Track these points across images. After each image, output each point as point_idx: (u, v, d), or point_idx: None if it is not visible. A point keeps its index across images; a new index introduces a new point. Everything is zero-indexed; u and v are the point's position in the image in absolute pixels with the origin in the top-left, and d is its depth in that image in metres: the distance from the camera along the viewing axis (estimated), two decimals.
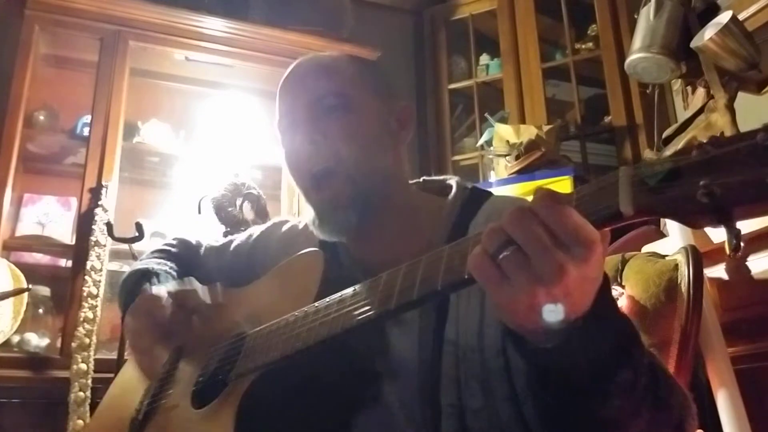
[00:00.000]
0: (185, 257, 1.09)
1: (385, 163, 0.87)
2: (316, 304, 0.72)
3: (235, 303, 0.94)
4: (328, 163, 0.84)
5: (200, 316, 0.90)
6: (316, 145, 0.84)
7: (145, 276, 0.99)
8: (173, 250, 1.10)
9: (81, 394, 2.02)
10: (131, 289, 0.98)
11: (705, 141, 0.46)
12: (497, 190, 2.35)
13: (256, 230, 1.08)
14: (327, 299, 0.71)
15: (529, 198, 0.54)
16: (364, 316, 0.64)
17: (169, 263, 1.05)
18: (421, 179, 0.98)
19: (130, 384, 0.99)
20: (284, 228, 1.02)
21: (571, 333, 0.51)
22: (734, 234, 0.46)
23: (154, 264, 1.03)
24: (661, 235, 1.58)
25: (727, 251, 0.46)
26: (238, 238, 1.08)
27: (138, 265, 1.05)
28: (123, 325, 0.98)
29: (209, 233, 2.18)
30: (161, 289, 0.91)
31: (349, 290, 0.68)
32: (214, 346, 0.87)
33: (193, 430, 0.79)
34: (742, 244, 0.46)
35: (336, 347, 0.70)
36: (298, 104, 0.88)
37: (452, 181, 0.93)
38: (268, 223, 1.08)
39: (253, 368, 0.75)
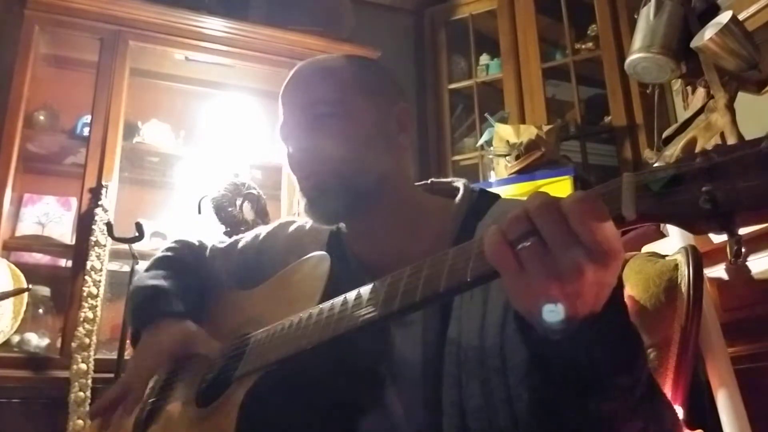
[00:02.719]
0: (190, 261, 1.09)
1: (381, 165, 0.87)
2: (320, 306, 0.72)
3: (241, 306, 0.94)
4: (315, 168, 0.86)
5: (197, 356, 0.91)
6: (305, 153, 0.87)
7: (154, 294, 0.99)
8: (177, 255, 1.10)
9: (81, 394, 2.02)
10: (140, 308, 0.99)
11: (709, 149, 0.47)
12: (497, 191, 2.35)
13: (262, 231, 1.07)
14: (330, 301, 0.71)
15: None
16: (368, 317, 0.64)
17: (177, 276, 1.04)
18: (429, 181, 0.99)
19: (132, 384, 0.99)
20: (291, 229, 1.03)
21: (580, 329, 0.51)
22: (735, 240, 0.46)
23: (162, 280, 1.02)
24: (661, 235, 1.58)
25: (729, 257, 0.46)
26: (244, 239, 1.08)
27: (147, 279, 1.03)
28: (132, 344, 1.01)
29: (209, 233, 2.18)
30: (166, 335, 0.93)
31: (352, 293, 0.68)
32: (219, 347, 0.88)
33: (196, 428, 0.79)
34: (743, 250, 0.46)
35: (339, 349, 0.70)
36: (292, 111, 0.90)
37: (459, 183, 0.93)
38: (275, 224, 1.08)
39: (257, 368, 0.75)
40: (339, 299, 0.70)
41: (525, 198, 0.55)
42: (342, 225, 0.94)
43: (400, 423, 0.76)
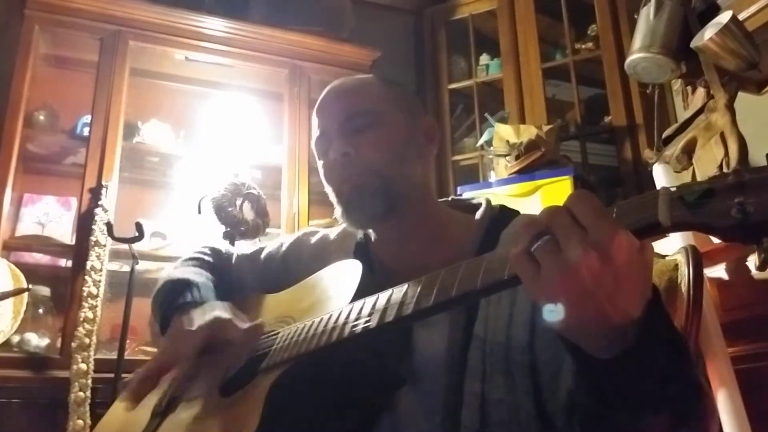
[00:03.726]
0: (218, 265, 1.11)
1: (413, 174, 0.92)
2: (352, 303, 0.73)
3: (267, 307, 0.96)
4: (359, 170, 0.89)
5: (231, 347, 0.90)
6: (348, 157, 0.90)
7: (184, 284, 1.00)
8: (206, 258, 1.12)
9: (81, 394, 2.02)
10: (171, 298, 1.00)
11: (740, 168, 0.50)
12: (497, 190, 2.35)
13: (286, 240, 1.10)
14: (363, 299, 0.72)
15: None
16: (401, 314, 0.65)
17: (205, 272, 1.07)
18: (449, 198, 1.04)
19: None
20: (315, 238, 1.06)
21: (628, 345, 0.54)
22: (764, 250, 0.48)
23: (192, 274, 1.04)
24: (662, 235, 1.58)
25: (756, 265, 0.49)
26: (269, 247, 1.11)
27: (176, 273, 1.05)
28: (161, 336, 1.00)
29: (209, 233, 2.18)
30: (198, 316, 0.92)
31: (385, 292, 0.69)
32: (246, 333, 0.89)
33: (220, 415, 0.80)
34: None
35: (364, 348, 0.72)
36: (331, 123, 0.94)
37: (481, 199, 0.98)
38: (299, 233, 1.11)
39: (283, 362, 0.77)
40: (371, 297, 0.71)
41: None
42: (369, 233, 0.96)
43: (419, 416, 0.78)
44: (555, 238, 0.52)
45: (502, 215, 0.94)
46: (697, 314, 1.08)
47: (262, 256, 1.10)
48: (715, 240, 1.45)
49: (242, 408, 0.77)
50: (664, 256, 1.24)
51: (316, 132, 0.97)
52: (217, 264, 1.11)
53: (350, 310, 0.72)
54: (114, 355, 2.03)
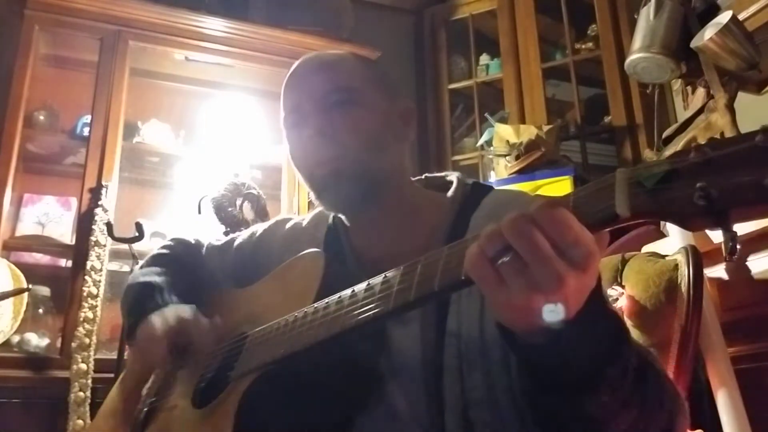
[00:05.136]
0: (186, 259, 1.08)
1: (390, 159, 0.88)
2: (315, 304, 0.72)
3: (237, 304, 0.94)
4: (336, 152, 0.84)
5: (195, 349, 0.90)
6: (325, 137, 0.84)
7: (147, 290, 0.98)
8: (172, 253, 1.09)
9: (81, 394, 2.02)
10: (133, 304, 0.98)
11: (703, 143, 0.46)
12: None
13: (259, 228, 1.07)
14: (326, 300, 0.71)
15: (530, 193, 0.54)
16: (363, 316, 0.64)
17: (170, 272, 1.03)
18: (423, 176, 0.99)
19: (130, 386, 0.99)
20: (287, 226, 1.02)
21: (561, 331, 0.51)
22: (730, 237, 0.45)
23: (156, 277, 1.01)
24: (661, 235, 1.58)
25: (724, 254, 0.45)
26: (241, 237, 1.07)
27: (140, 276, 1.02)
28: (128, 340, 1.00)
29: (209, 233, 2.18)
30: (160, 322, 0.90)
31: (347, 291, 0.68)
32: (216, 346, 0.88)
33: (192, 429, 0.79)
34: (738, 247, 0.45)
35: (337, 348, 0.70)
36: (305, 99, 0.87)
37: (453, 176, 0.94)
38: (271, 221, 1.08)
39: (253, 368, 0.75)
40: (334, 298, 0.69)
41: (520, 189, 0.55)
42: (342, 219, 0.93)
43: (403, 417, 0.76)
44: (522, 259, 0.49)
45: (474, 194, 0.89)
46: (697, 314, 1.09)
47: (235, 245, 1.06)
48: (715, 239, 1.45)
49: (215, 421, 0.75)
50: (664, 256, 1.25)
51: (285, 108, 0.90)
52: (184, 259, 1.08)
53: (314, 312, 0.71)
54: (114, 355, 2.02)
